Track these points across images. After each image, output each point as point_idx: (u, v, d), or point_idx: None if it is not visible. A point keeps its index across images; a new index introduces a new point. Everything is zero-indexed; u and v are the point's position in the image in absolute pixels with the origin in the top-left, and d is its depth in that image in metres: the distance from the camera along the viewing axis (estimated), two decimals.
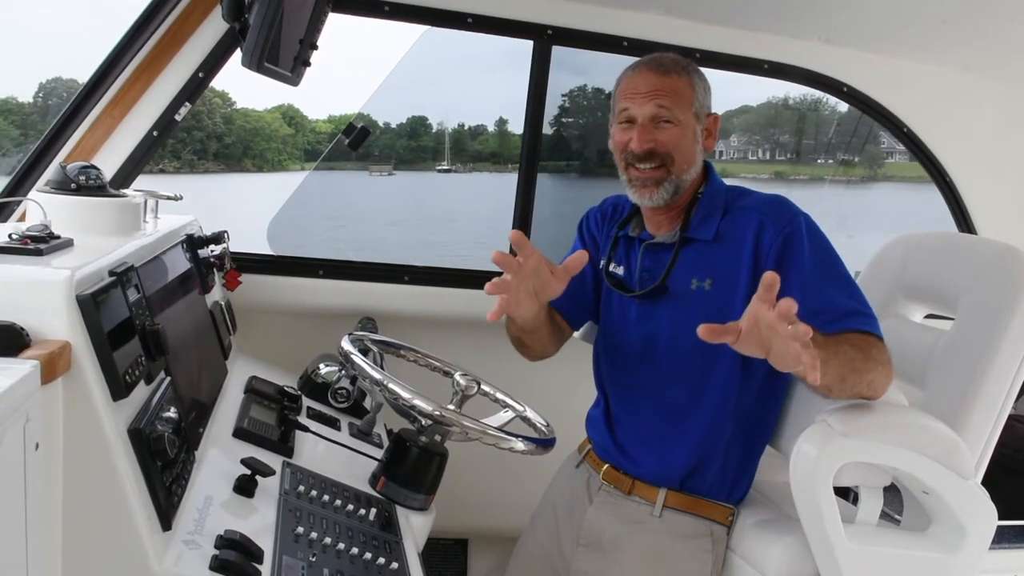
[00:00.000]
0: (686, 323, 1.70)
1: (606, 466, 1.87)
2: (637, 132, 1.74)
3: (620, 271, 1.90)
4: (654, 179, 1.75)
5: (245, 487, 1.47)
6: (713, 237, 1.75)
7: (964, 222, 3.09)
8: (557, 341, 1.98)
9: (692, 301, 1.74)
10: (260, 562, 1.27)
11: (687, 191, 1.80)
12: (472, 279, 2.75)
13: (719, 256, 1.74)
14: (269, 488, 1.53)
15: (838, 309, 1.59)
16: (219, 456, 1.57)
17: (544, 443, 1.75)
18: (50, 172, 1.95)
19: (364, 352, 1.91)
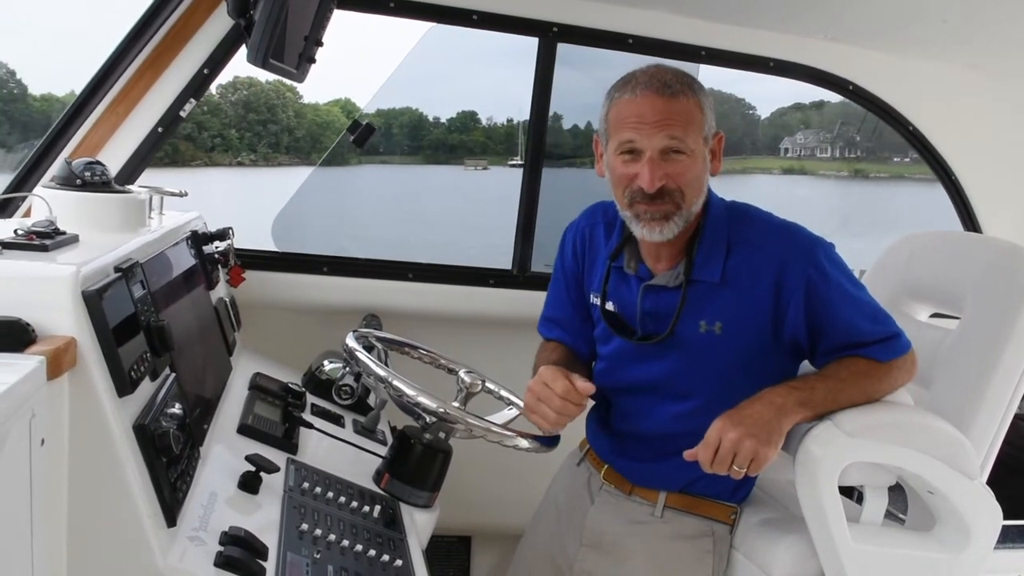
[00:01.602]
0: (699, 368, 1.69)
1: (607, 466, 1.86)
2: (647, 168, 1.56)
3: (615, 308, 1.77)
4: (663, 213, 1.59)
5: (250, 484, 1.47)
6: (720, 280, 1.64)
7: (970, 221, 3.08)
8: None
9: (701, 345, 1.67)
10: (264, 559, 1.27)
11: (692, 222, 1.66)
12: (476, 276, 2.76)
13: (729, 299, 1.64)
14: (273, 485, 1.53)
15: (867, 339, 1.61)
16: (224, 452, 1.58)
17: (548, 441, 1.75)
18: (55, 168, 1.95)
19: (368, 349, 1.91)
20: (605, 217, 1.84)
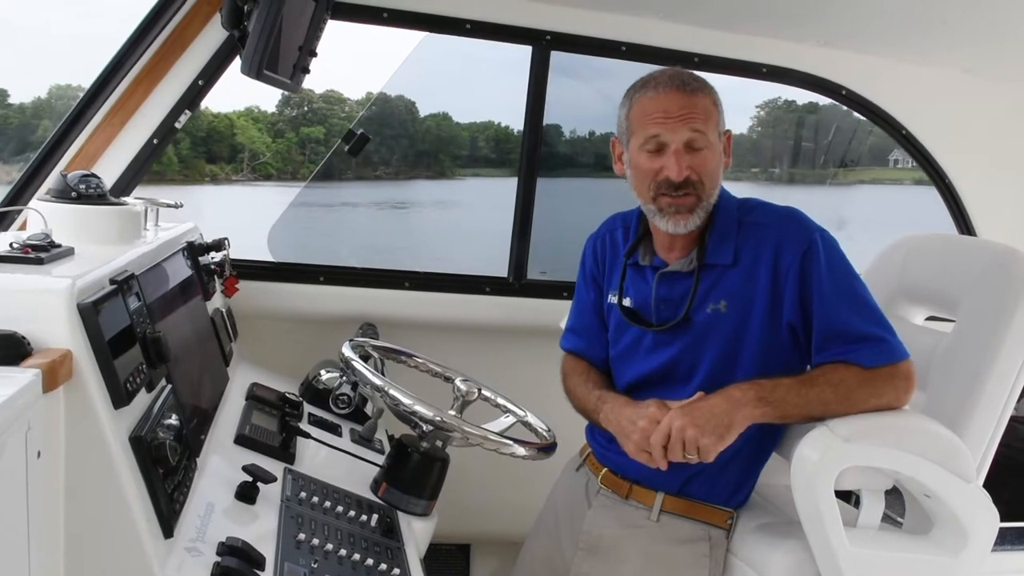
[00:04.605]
0: (701, 348, 1.71)
1: (604, 470, 1.86)
2: (674, 160, 1.63)
3: (631, 303, 1.82)
4: (687, 206, 1.66)
5: (247, 494, 1.47)
6: (732, 261, 1.69)
7: (964, 224, 3.09)
8: None
9: (708, 326, 1.70)
10: (262, 569, 1.27)
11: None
12: (472, 284, 2.76)
13: (737, 277, 1.69)
14: (271, 495, 1.53)
15: (852, 333, 1.61)
16: (220, 463, 1.58)
17: (545, 448, 1.76)
18: (51, 181, 1.95)
19: (365, 358, 1.91)
20: (624, 223, 1.91)
